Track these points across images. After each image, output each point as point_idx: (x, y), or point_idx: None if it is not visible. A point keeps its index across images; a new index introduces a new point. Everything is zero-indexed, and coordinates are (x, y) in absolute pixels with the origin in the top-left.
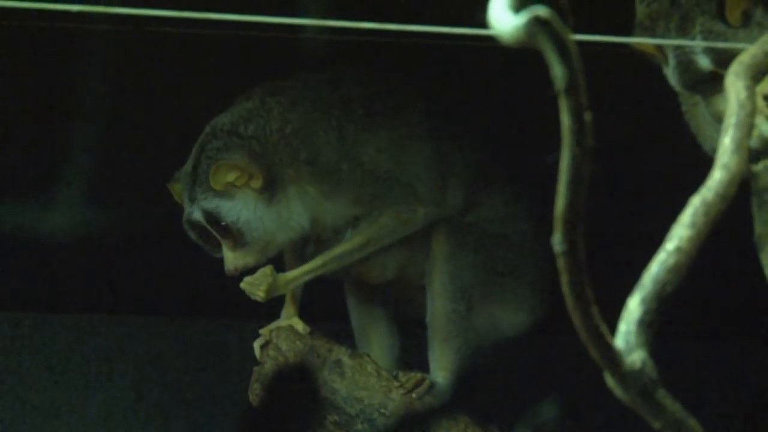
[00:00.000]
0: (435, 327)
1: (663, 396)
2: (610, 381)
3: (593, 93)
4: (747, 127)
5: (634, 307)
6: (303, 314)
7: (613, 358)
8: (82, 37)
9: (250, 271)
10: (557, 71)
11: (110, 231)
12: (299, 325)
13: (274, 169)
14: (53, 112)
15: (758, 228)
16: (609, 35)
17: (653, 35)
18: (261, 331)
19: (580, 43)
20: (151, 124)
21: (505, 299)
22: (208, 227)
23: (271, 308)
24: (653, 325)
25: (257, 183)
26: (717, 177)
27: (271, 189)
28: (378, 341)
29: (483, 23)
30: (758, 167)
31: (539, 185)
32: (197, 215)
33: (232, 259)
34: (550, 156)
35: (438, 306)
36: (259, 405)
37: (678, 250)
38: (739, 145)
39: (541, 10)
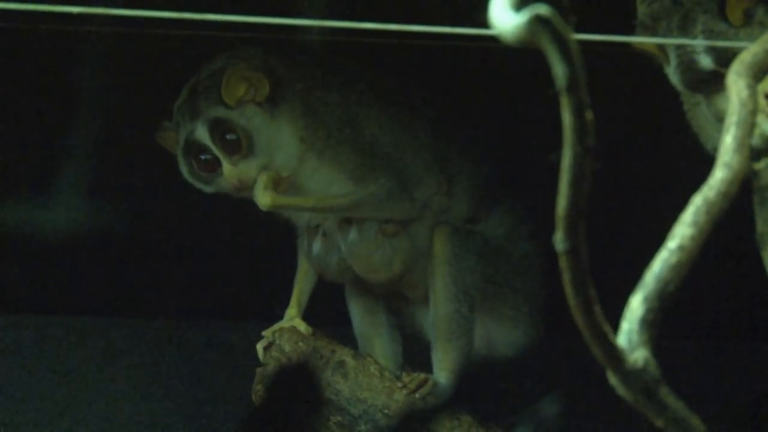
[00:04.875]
0: (438, 328)
1: (665, 394)
2: (612, 379)
3: (595, 92)
4: (748, 125)
5: (636, 305)
6: (306, 316)
7: (615, 356)
8: (87, 39)
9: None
10: (559, 70)
11: (113, 233)
12: (302, 327)
13: (279, 82)
14: (54, 112)
15: (760, 226)
16: (610, 34)
17: (654, 34)
18: (264, 333)
19: (582, 43)
20: (150, 125)
21: (502, 314)
22: (210, 144)
23: (275, 310)
24: (656, 324)
25: (262, 95)
26: (719, 176)
27: (272, 101)
28: (381, 348)
29: (484, 23)
30: (760, 165)
31: (544, 202)
32: (201, 131)
33: (235, 172)
34: (553, 155)
35: (441, 307)
36: (262, 406)
37: (680, 248)
38: (741, 144)
39: (543, 9)
